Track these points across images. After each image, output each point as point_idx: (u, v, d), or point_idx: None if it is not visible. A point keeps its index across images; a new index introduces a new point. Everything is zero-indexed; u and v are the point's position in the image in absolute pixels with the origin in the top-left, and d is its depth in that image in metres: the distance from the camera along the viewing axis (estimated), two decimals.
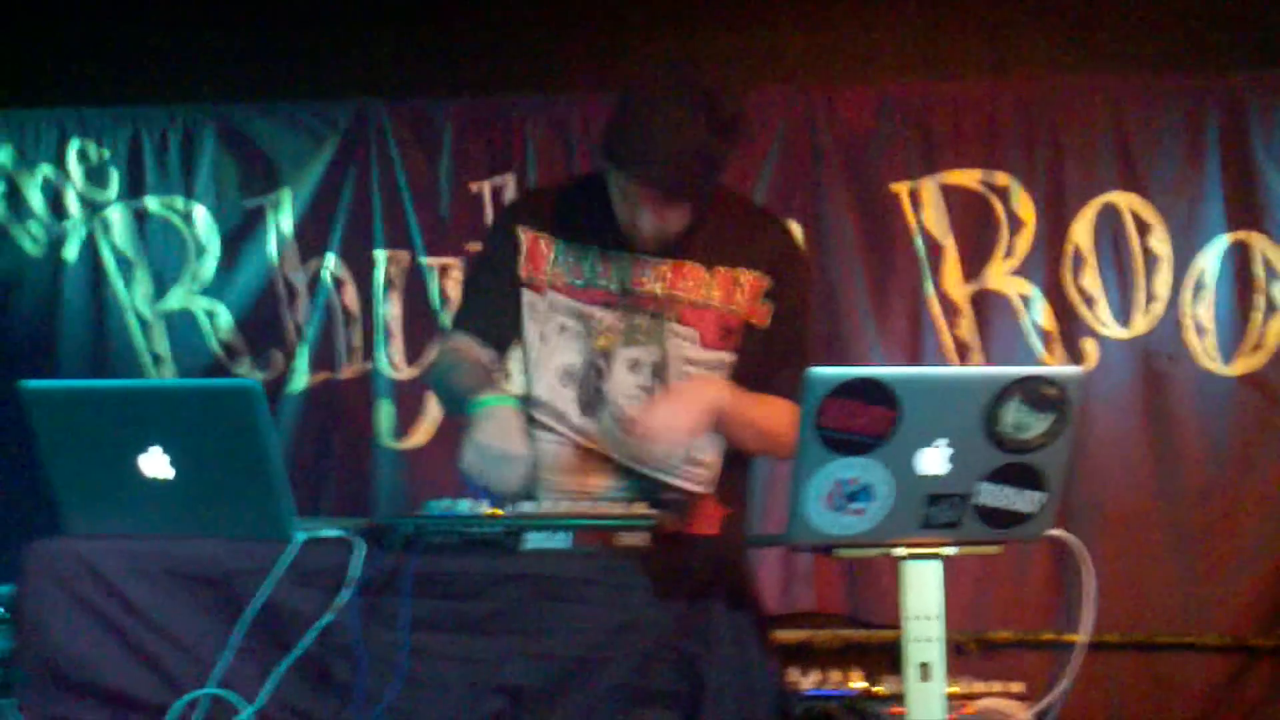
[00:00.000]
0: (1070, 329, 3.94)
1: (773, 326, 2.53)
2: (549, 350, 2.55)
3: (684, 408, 2.34)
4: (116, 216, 4.21)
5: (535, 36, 4.15)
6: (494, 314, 2.58)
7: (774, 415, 2.46)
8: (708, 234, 2.52)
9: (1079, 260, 3.96)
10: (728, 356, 2.52)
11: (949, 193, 4.01)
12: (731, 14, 4.14)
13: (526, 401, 2.55)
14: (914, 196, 4.02)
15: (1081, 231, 3.96)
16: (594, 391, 2.53)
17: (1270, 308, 3.90)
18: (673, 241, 2.50)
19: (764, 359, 2.52)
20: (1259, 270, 3.91)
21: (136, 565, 2.05)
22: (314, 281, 4.14)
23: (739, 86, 2.44)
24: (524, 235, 2.57)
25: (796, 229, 4.00)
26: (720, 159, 2.40)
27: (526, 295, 2.56)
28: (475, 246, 4.06)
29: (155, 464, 2.06)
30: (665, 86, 2.37)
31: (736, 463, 2.58)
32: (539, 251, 2.57)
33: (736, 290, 2.51)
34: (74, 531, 2.10)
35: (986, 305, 3.98)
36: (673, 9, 4.13)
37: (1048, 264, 3.96)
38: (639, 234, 2.47)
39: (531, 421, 2.50)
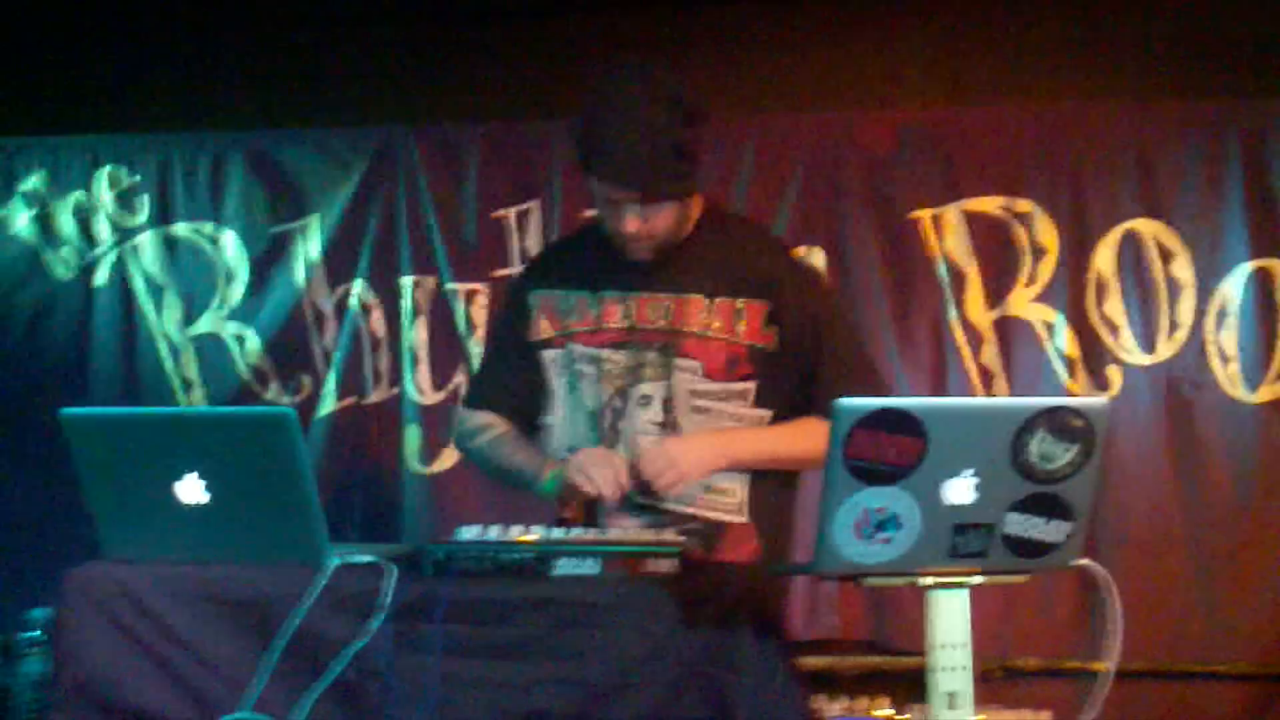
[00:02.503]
0: (1094, 356, 3.94)
1: (783, 348, 2.55)
2: (574, 399, 2.60)
3: (690, 450, 2.39)
4: (146, 242, 4.26)
5: (561, 62, 4.18)
6: (510, 386, 2.68)
7: (796, 439, 2.51)
8: (709, 264, 2.55)
9: (1102, 287, 3.96)
10: (738, 386, 2.54)
11: (971, 219, 4.01)
12: (752, 41, 4.17)
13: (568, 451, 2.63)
14: (936, 223, 4.02)
15: (1104, 258, 3.96)
16: (613, 431, 2.57)
17: None
18: (675, 272, 2.53)
19: (785, 381, 2.54)
20: None
21: (172, 590, 2.08)
22: (341, 307, 4.17)
23: (700, 86, 2.48)
24: (535, 300, 2.66)
25: (817, 255, 4.02)
26: (686, 147, 2.42)
27: (547, 354, 2.63)
28: (502, 273, 4.11)
29: (191, 490, 2.09)
30: (623, 85, 2.42)
31: (768, 487, 2.60)
32: (552, 309, 2.64)
33: (737, 320, 2.54)
34: (112, 556, 2.14)
35: (1010, 332, 3.98)
36: (695, 36, 4.15)
37: (1071, 291, 3.96)
38: (629, 243, 2.50)
39: None
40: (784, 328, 2.55)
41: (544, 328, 2.64)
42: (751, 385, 2.54)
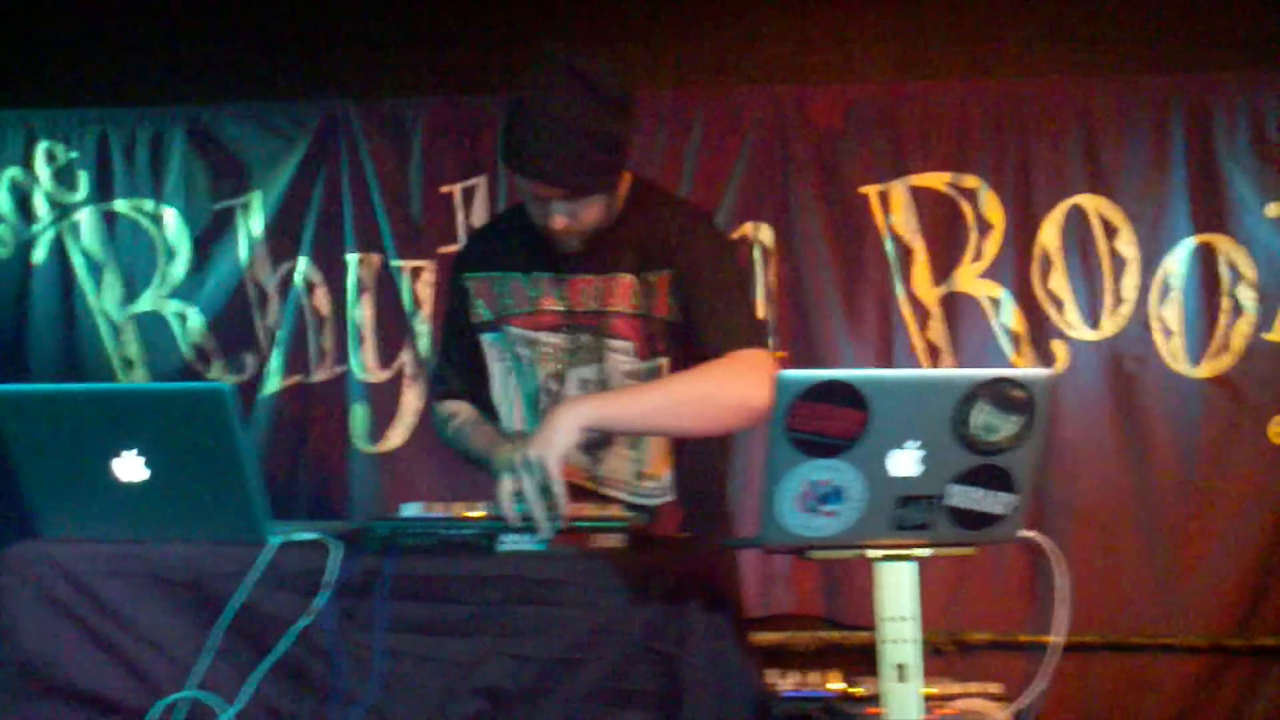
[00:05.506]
0: (1039, 331, 3.97)
1: (679, 314, 2.47)
2: (513, 382, 2.59)
3: (550, 427, 2.20)
4: (85, 219, 4.19)
5: (507, 37, 4.15)
6: (465, 373, 2.67)
7: (660, 387, 2.38)
8: (635, 242, 2.50)
9: (1047, 262, 3.99)
10: (658, 362, 2.51)
11: (918, 195, 4.03)
12: (702, 15, 4.16)
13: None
14: (883, 198, 4.04)
15: (1050, 234, 3.99)
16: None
17: (1236, 310, 3.93)
18: (605, 253, 2.49)
19: (684, 346, 2.47)
20: (1224, 273, 3.94)
21: (112, 568, 2.05)
22: (285, 284, 4.13)
23: (624, 71, 2.40)
24: (471, 284, 2.63)
25: (765, 229, 4.02)
26: (610, 140, 2.36)
27: (485, 337, 2.62)
28: (448, 249, 4.09)
29: (128, 467, 2.06)
30: (546, 80, 2.34)
31: (687, 464, 2.57)
32: (488, 292, 2.61)
33: (651, 295, 2.50)
34: (50, 535, 2.10)
35: (956, 307, 4.00)
36: (644, 10, 4.14)
37: (1016, 266, 3.99)
38: (557, 236, 2.45)
39: None
40: (681, 296, 2.47)
41: (481, 311, 2.62)
42: (666, 360, 2.51)
